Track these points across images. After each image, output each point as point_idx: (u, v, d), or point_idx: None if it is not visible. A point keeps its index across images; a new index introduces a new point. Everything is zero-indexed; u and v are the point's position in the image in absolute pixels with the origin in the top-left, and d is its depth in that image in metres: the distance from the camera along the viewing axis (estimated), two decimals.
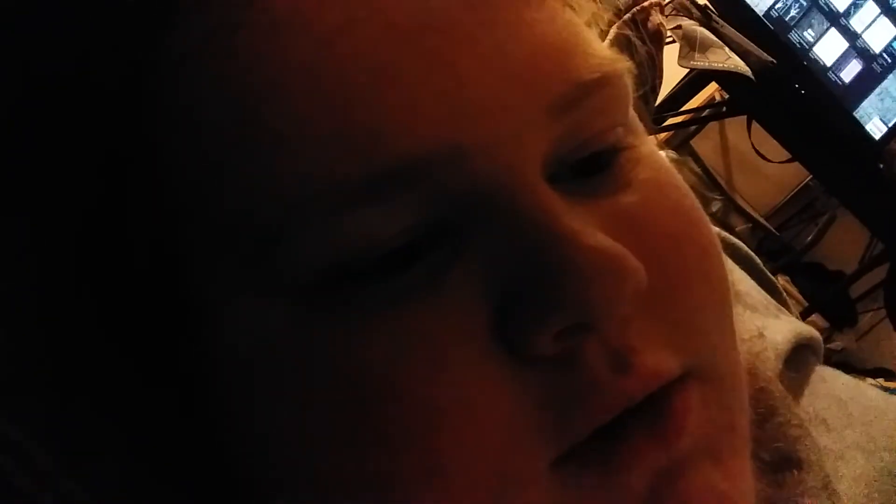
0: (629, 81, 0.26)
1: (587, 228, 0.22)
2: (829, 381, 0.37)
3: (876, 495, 0.31)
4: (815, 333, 0.37)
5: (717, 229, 0.27)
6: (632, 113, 0.27)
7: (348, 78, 0.21)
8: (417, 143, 0.21)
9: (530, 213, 0.22)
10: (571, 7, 0.25)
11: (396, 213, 0.21)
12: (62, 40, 0.22)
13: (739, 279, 0.40)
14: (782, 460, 0.29)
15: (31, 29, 0.23)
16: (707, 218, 0.26)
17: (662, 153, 0.27)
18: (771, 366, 0.32)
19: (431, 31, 0.21)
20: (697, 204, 0.26)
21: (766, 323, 0.35)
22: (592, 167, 0.24)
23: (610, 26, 0.34)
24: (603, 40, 0.29)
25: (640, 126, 0.27)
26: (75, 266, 0.23)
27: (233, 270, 0.22)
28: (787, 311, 0.40)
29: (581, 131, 0.24)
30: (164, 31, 0.22)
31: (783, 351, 0.33)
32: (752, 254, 0.43)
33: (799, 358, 0.35)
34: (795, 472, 0.29)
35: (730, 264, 0.28)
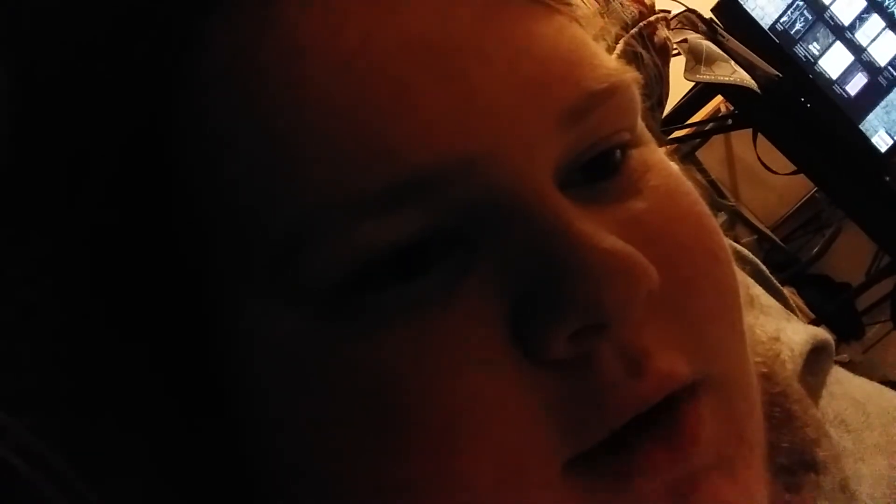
0: (637, 91, 0.26)
1: (599, 231, 0.22)
2: (845, 383, 0.37)
3: None
4: (828, 336, 0.37)
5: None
6: (640, 122, 0.27)
7: (365, 94, 0.21)
8: (432, 155, 0.21)
9: (542, 219, 0.22)
10: (578, 22, 0.26)
11: (412, 223, 0.22)
12: (93, 53, 0.23)
13: (752, 284, 0.40)
14: (799, 464, 0.29)
15: (63, 40, 0.23)
16: (717, 225, 0.27)
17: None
18: (789, 367, 0.32)
19: (444, 47, 0.22)
20: (708, 211, 0.27)
21: (782, 326, 0.35)
22: (603, 174, 0.25)
23: (617, 40, 0.35)
24: (610, 54, 0.29)
25: (649, 135, 0.28)
26: (98, 279, 0.24)
27: (253, 281, 0.23)
28: (795, 318, 0.40)
29: (590, 140, 0.24)
30: (190, 52, 0.22)
31: (803, 352, 0.33)
32: (758, 261, 0.43)
33: (815, 361, 0.35)
34: (813, 476, 0.29)
35: (739, 271, 0.29)
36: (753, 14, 1.30)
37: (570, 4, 0.26)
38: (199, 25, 0.22)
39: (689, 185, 0.27)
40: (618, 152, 0.26)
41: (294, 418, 0.23)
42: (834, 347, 0.38)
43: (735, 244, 0.42)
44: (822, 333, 0.36)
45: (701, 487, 0.23)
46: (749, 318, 0.28)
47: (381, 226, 0.21)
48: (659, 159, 0.27)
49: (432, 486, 0.22)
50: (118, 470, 0.25)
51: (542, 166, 0.23)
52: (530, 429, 0.22)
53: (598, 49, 0.26)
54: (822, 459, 0.30)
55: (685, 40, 1.12)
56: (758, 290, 0.40)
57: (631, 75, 0.25)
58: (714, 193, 1.86)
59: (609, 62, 0.25)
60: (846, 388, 0.36)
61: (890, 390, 0.38)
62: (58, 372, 0.24)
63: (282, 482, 0.24)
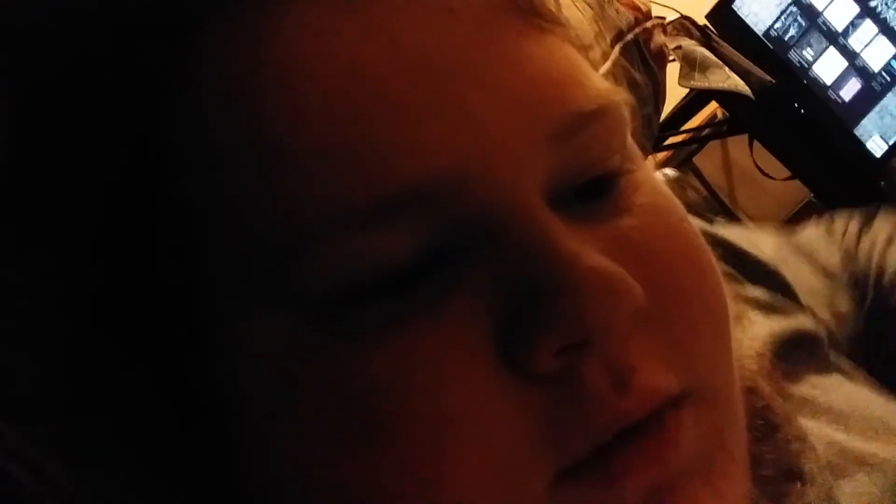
0: (627, 112, 0.26)
1: (585, 249, 0.23)
2: (830, 393, 0.37)
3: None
4: (813, 329, 0.37)
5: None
6: (630, 140, 0.27)
7: (359, 111, 0.22)
8: (423, 171, 0.22)
9: (530, 236, 0.23)
10: (570, 42, 0.26)
11: (403, 237, 0.22)
12: (93, 62, 0.24)
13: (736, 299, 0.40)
14: (784, 475, 0.29)
15: (60, 50, 0.24)
16: (704, 241, 0.27)
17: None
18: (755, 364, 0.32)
19: (437, 66, 0.23)
20: (694, 227, 0.27)
21: (756, 319, 0.36)
22: (592, 193, 0.25)
23: (613, 45, 0.35)
24: (605, 60, 0.30)
25: (638, 153, 0.28)
26: (96, 288, 0.24)
27: (246, 290, 0.23)
28: (780, 315, 0.40)
29: (580, 159, 0.25)
30: (189, 62, 0.23)
31: (771, 342, 0.34)
32: (740, 244, 0.43)
33: (791, 353, 0.35)
34: (798, 485, 0.29)
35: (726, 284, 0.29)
36: (747, 20, 1.30)
37: (562, 25, 0.26)
38: (198, 36, 0.23)
39: (676, 202, 0.27)
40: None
41: (284, 427, 0.23)
42: (825, 340, 0.38)
43: (710, 229, 0.42)
44: (804, 326, 0.36)
45: (679, 494, 0.23)
46: (736, 332, 0.28)
47: (373, 239, 0.22)
48: (647, 177, 0.27)
49: (419, 498, 0.22)
50: (113, 477, 0.25)
51: (532, 184, 0.23)
52: (517, 442, 0.22)
53: (589, 69, 0.26)
54: (808, 471, 0.30)
55: (679, 47, 1.12)
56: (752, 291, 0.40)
57: (621, 96, 0.26)
58: (710, 200, 1.87)
59: (599, 82, 0.26)
60: (831, 398, 0.36)
61: (877, 398, 0.38)
62: (55, 380, 0.24)
63: (272, 490, 0.24)
